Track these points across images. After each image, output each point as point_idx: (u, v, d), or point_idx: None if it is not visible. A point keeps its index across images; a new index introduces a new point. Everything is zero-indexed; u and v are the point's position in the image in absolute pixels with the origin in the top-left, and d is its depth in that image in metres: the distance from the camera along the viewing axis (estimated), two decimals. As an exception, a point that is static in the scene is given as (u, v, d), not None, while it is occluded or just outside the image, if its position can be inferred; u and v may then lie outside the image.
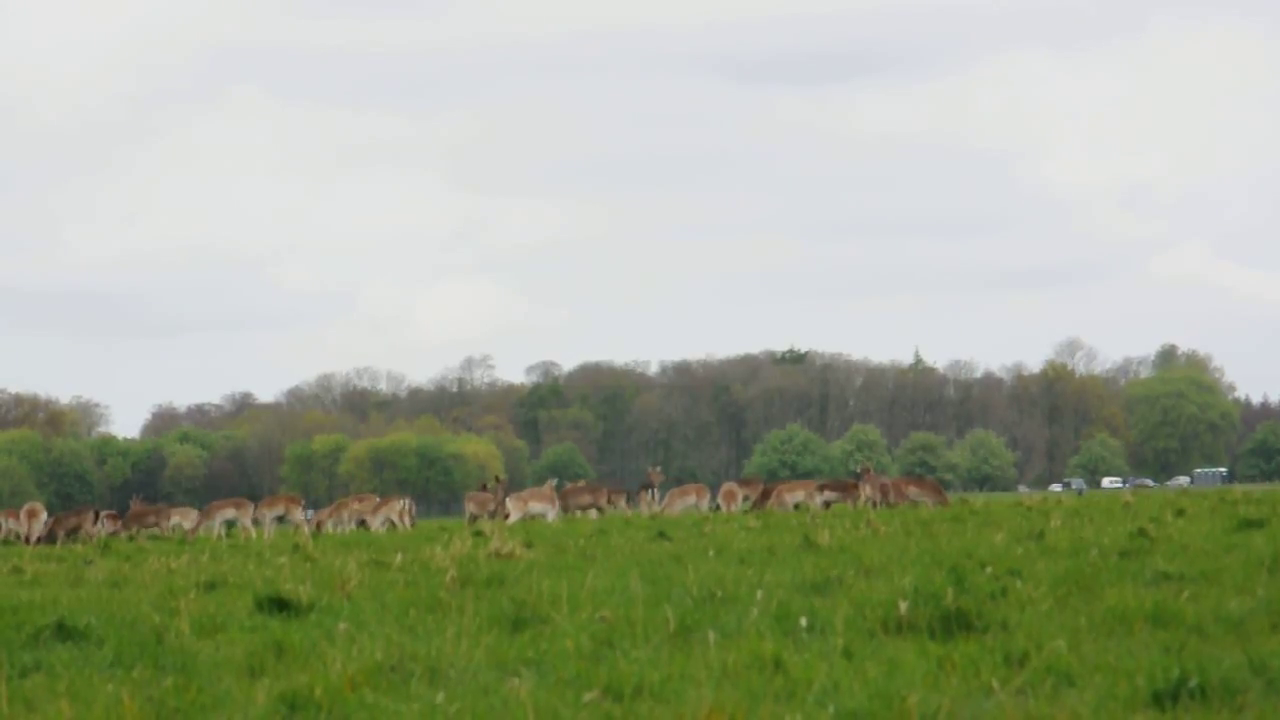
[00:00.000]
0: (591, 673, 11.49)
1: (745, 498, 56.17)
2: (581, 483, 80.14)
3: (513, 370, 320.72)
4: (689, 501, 55.46)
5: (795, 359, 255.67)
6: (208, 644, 14.33)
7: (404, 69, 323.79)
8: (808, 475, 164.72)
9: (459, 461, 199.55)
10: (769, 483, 64.46)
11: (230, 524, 54.70)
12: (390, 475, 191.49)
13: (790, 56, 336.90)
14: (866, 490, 53.29)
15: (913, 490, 53.61)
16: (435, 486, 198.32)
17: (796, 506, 51.33)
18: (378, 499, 58.01)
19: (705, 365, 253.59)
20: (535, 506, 51.24)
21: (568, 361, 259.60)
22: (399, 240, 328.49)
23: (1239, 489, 73.29)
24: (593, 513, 52.83)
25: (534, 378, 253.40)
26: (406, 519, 52.69)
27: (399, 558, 23.75)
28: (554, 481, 61.29)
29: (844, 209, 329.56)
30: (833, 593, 16.13)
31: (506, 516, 49.77)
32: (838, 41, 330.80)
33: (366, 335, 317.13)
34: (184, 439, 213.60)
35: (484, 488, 61.83)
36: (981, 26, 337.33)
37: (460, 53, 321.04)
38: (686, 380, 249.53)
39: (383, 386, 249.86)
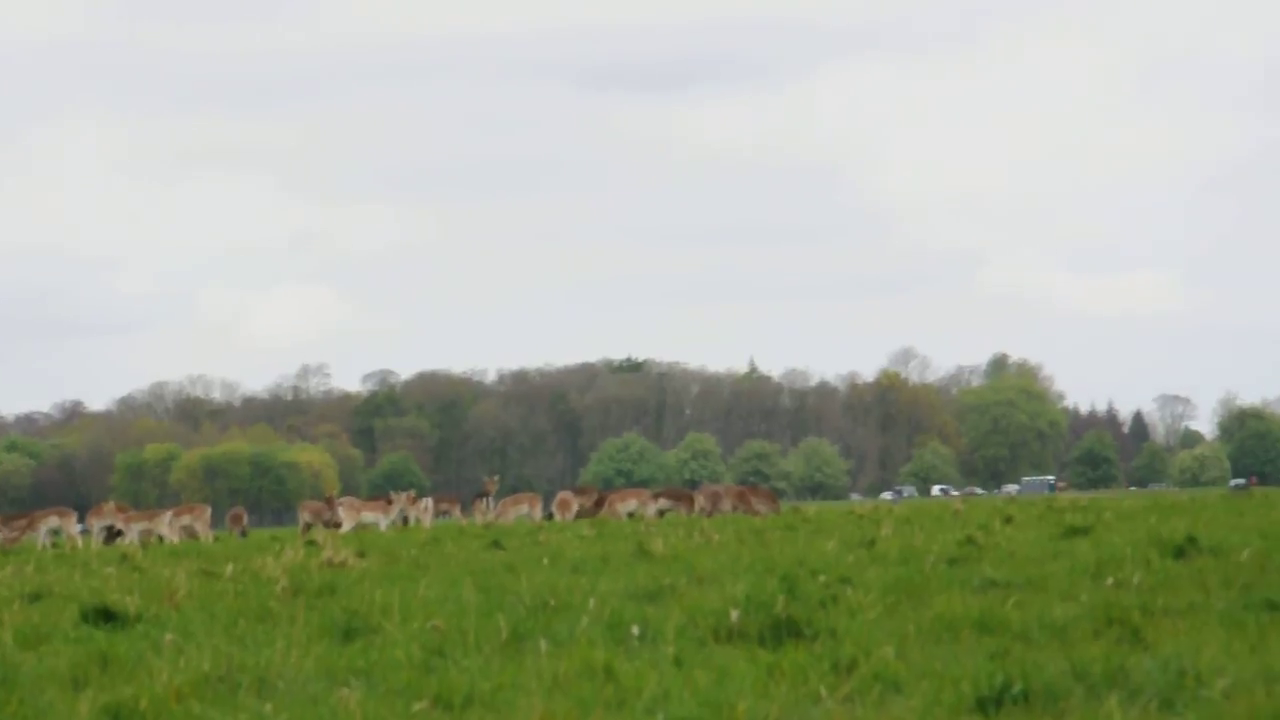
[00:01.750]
0: (422, 682, 11.44)
1: (580, 506, 56.18)
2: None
3: (349, 378, 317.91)
4: (522, 510, 55.37)
5: (632, 368, 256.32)
6: (30, 656, 14.07)
7: (242, 73, 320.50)
8: (643, 483, 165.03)
9: (293, 470, 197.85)
10: (604, 491, 64.49)
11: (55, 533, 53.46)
12: (223, 484, 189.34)
13: (629, 65, 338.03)
14: (700, 500, 53.57)
15: (751, 499, 53.92)
16: (268, 496, 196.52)
17: (630, 515, 51.42)
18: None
19: (542, 374, 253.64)
20: (368, 516, 50.95)
21: (404, 370, 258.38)
22: (235, 246, 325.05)
23: (1066, 497, 74.48)
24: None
25: (370, 386, 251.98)
26: (200, 528, 51.23)
27: (230, 568, 23.50)
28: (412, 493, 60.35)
29: (681, 217, 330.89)
30: (665, 601, 16.16)
31: (339, 526, 49.41)
32: (677, 50, 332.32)
33: (201, 343, 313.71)
34: (11, 448, 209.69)
35: (329, 500, 61.04)
36: (817, 38, 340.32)
37: (298, 57, 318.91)
38: (523, 389, 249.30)
39: (216, 395, 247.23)
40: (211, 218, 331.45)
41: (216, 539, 50.09)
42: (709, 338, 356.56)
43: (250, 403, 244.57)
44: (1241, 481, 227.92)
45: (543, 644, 12.43)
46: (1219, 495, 73.34)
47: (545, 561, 23.47)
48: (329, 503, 58.62)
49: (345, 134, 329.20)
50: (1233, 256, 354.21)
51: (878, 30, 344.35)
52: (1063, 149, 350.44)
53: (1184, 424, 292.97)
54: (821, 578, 17.29)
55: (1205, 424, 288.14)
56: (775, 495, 60.03)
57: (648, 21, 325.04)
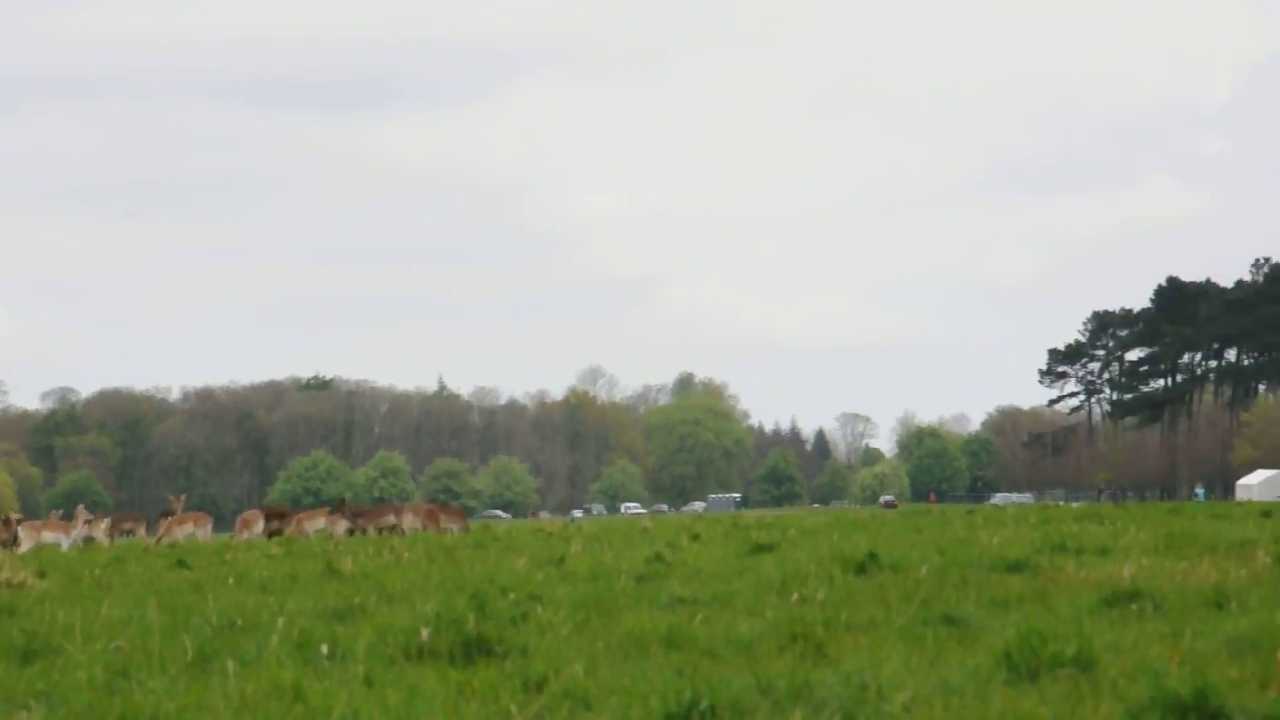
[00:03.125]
0: (105, 704, 11.17)
1: (270, 525, 55.34)
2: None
3: (27, 396, 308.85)
4: (187, 530, 54.25)
5: (320, 385, 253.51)
6: None
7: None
8: (330, 502, 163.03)
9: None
10: (293, 510, 63.64)
11: None
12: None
13: (313, 82, 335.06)
14: (394, 518, 53.22)
15: (441, 518, 53.74)
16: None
17: (318, 534, 50.87)
18: None
19: (229, 391, 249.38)
20: (49, 536, 49.59)
21: (85, 388, 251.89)
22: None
23: (752, 514, 75.69)
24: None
25: (49, 404, 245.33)
26: None
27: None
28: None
29: (369, 235, 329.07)
30: (355, 620, 16.04)
31: (18, 546, 47.98)
32: (362, 68, 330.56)
33: None
34: None
35: (7, 520, 58.76)
36: (500, 58, 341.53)
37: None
38: (209, 406, 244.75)
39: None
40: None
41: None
42: (398, 356, 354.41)
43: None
44: (890, 499, 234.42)
45: (230, 664, 12.23)
46: (869, 513, 75.28)
47: (231, 581, 23.10)
48: (6, 523, 56.81)
49: (24, 146, 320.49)
50: (912, 277, 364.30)
51: (559, 47, 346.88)
52: (744, 171, 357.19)
53: (865, 442, 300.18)
54: (512, 595, 17.32)
55: (885, 442, 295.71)
56: (464, 512, 59.82)
57: (330, 38, 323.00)
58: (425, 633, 13.09)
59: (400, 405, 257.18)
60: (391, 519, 53.54)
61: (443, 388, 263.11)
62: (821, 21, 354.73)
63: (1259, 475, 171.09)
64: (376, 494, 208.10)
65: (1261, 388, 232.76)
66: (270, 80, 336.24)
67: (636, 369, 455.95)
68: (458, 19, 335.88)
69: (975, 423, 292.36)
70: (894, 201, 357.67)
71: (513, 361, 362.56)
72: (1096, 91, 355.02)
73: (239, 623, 15.63)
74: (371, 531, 51.94)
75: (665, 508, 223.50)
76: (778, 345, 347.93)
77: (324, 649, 13.05)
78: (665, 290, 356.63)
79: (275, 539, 49.54)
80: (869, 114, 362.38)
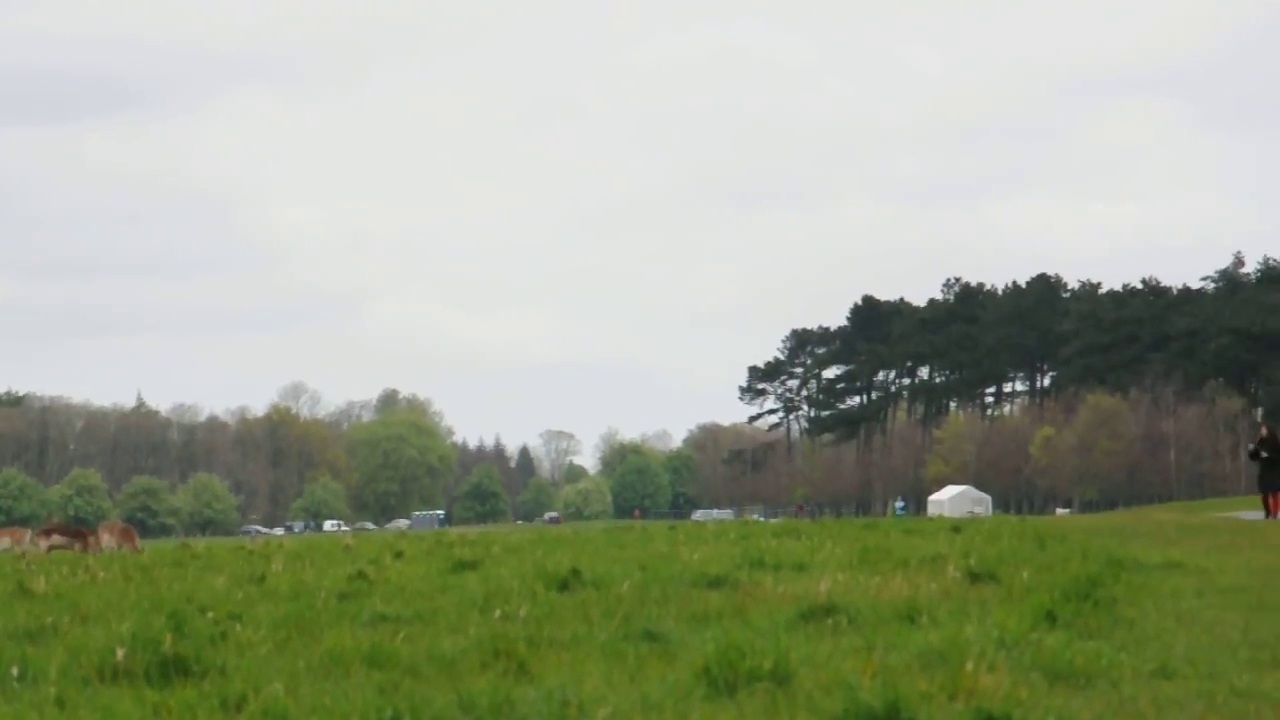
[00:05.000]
0: None
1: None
2: None
3: None
4: None
5: (12, 402, 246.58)
6: None
7: None
8: (25, 520, 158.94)
9: None
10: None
11: None
12: None
13: (12, 88, 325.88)
14: (100, 537, 51.88)
15: (104, 537, 52.32)
16: None
17: (2, 553, 49.42)
18: None
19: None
20: None
21: None
22: None
23: (456, 531, 75.51)
24: None
25: None
26: None
27: None
28: None
29: (64, 249, 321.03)
30: (47, 641, 15.62)
31: None
32: (65, 74, 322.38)
33: None
34: None
35: None
36: (210, 67, 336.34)
37: None
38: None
39: None
40: None
41: None
42: (94, 371, 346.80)
43: None
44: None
45: (-86, 689, 11.85)
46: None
47: (-84, 602, 22.34)
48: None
49: None
50: (616, 295, 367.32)
51: (269, 64, 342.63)
52: (450, 186, 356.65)
53: (569, 459, 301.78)
54: (210, 614, 17.04)
55: (589, 459, 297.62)
56: (132, 531, 57.51)
57: (29, 40, 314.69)
58: (120, 653, 12.81)
59: (96, 421, 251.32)
60: (86, 538, 52.16)
61: (141, 404, 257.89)
62: (520, 37, 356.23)
63: (949, 491, 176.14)
64: (72, 512, 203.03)
65: (953, 405, 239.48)
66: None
67: (340, 385, 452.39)
68: (165, 28, 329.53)
69: (677, 440, 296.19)
70: (598, 219, 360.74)
71: (214, 377, 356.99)
72: (795, 112, 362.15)
73: (-77, 646, 15.13)
74: (76, 549, 50.60)
75: (369, 525, 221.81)
76: (483, 362, 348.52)
77: (14, 670, 12.70)
78: (370, 306, 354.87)
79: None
80: (572, 129, 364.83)
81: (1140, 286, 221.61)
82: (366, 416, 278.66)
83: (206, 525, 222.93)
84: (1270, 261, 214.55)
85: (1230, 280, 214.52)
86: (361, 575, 23.65)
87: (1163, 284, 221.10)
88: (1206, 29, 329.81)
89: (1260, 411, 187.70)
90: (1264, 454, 43.34)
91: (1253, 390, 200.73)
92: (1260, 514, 44.05)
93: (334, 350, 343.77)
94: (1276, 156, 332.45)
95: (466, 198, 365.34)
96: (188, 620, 15.55)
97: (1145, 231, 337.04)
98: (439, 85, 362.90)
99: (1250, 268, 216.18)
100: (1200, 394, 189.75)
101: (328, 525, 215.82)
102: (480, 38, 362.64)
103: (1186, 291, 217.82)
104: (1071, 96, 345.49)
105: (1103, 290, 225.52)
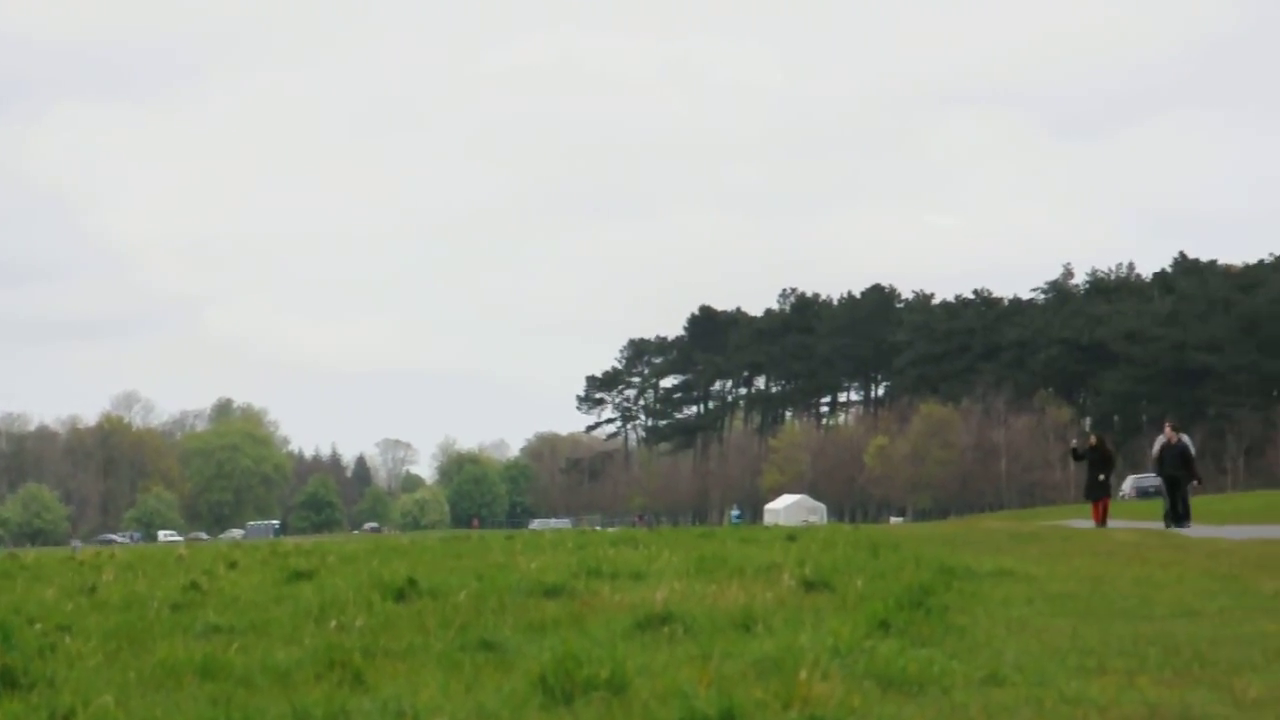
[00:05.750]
0: None
1: None
2: None
3: None
4: None
5: None
6: None
7: None
8: None
9: None
10: None
11: None
12: None
13: None
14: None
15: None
16: None
17: None
18: None
19: None
20: None
21: None
22: None
23: (291, 541, 74.87)
24: None
25: None
26: None
27: None
28: None
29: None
30: None
31: None
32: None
33: None
34: None
35: None
36: (49, 68, 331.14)
37: None
38: None
39: None
40: None
41: None
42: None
43: None
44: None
45: None
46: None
47: None
48: None
49: None
50: (453, 303, 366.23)
51: (106, 69, 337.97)
52: (286, 194, 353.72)
53: (405, 468, 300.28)
54: (39, 626, 16.78)
55: (426, 468, 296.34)
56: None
57: None
58: (-56, 667, 12.58)
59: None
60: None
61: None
62: (360, 43, 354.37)
63: (785, 500, 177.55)
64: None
65: (788, 414, 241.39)
66: None
67: (174, 394, 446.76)
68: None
69: (515, 449, 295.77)
70: (437, 227, 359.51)
71: (44, 386, 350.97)
72: (634, 123, 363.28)
73: None
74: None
75: (203, 535, 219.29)
76: (319, 370, 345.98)
77: None
78: (206, 314, 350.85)
79: None
80: (413, 137, 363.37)
81: (972, 297, 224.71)
82: (201, 426, 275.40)
83: (36, 536, 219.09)
84: (1098, 273, 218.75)
85: (1060, 291, 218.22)
86: (195, 586, 23.40)
87: (994, 295, 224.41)
88: (1041, 43, 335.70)
89: (1089, 421, 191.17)
90: (1090, 460, 44.21)
91: (1081, 400, 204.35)
92: (1090, 522, 44.90)
93: (169, 359, 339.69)
94: (1106, 169, 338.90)
95: (306, 204, 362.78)
96: (15, 632, 15.28)
97: (978, 243, 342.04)
98: (279, 91, 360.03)
99: (1079, 279, 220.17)
100: (1030, 404, 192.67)
101: (161, 535, 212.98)
102: (321, 43, 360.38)
103: (1017, 302, 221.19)
104: (909, 109, 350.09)
105: (936, 301, 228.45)
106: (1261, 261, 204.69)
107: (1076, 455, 45.91)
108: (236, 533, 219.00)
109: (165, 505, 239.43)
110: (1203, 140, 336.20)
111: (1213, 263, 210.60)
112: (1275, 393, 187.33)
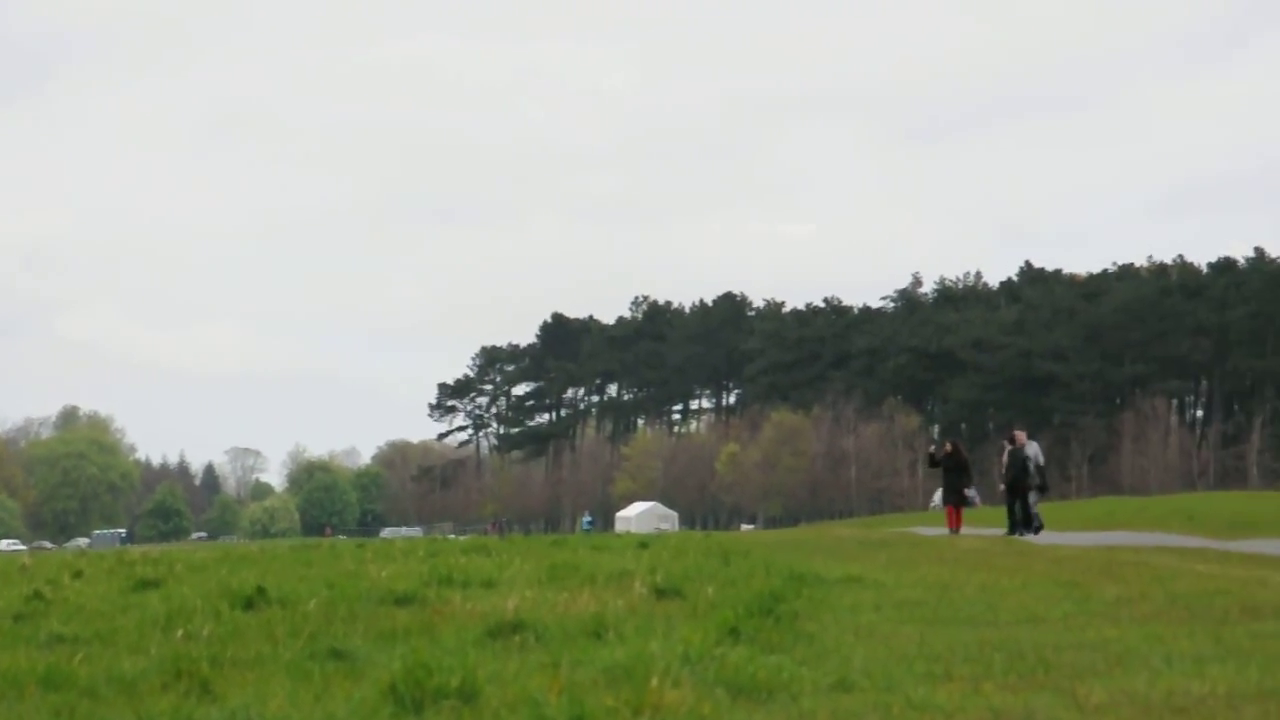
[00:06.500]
0: None
1: None
2: None
3: None
4: None
5: None
6: None
7: None
8: None
9: None
10: None
11: None
12: None
13: None
14: None
15: None
16: None
17: None
18: None
19: None
20: None
21: None
22: None
23: (138, 549, 73.95)
24: None
25: None
26: None
27: None
28: None
29: None
30: None
31: None
32: None
33: None
34: None
35: None
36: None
37: None
38: None
39: None
40: None
41: None
42: None
43: None
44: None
45: None
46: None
47: None
48: None
49: None
50: (302, 309, 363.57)
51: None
52: (134, 197, 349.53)
53: (255, 476, 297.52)
54: (-124, 638, 16.46)
55: (276, 476, 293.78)
56: None
57: None
58: None
59: None
60: None
61: None
62: (209, 42, 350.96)
63: (636, 507, 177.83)
64: None
65: (641, 422, 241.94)
66: None
67: (18, 402, 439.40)
68: None
69: (366, 456, 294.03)
70: (283, 233, 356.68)
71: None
72: (487, 129, 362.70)
73: None
74: None
75: (47, 544, 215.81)
76: (166, 377, 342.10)
77: None
78: (51, 321, 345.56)
79: None
80: (261, 139, 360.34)
81: (823, 306, 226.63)
82: (46, 433, 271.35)
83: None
84: (946, 282, 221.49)
85: (909, 300, 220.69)
86: (38, 595, 23.04)
87: (844, 303, 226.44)
88: (893, 51, 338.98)
89: (937, 429, 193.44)
90: (946, 467, 44.71)
91: (929, 408, 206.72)
92: (944, 529, 45.19)
93: (12, 366, 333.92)
94: (955, 179, 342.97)
95: (151, 208, 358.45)
96: None
97: (829, 251, 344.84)
98: (124, 92, 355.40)
99: (928, 288, 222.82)
100: (879, 411, 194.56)
101: (3, 544, 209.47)
102: (169, 44, 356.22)
103: (867, 311, 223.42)
104: (760, 118, 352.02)
105: (787, 309, 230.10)
106: (1105, 271, 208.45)
107: (933, 462, 46.35)
108: (82, 541, 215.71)
109: (8, 514, 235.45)
110: (1048, 149, 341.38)
111: (1058, 272, 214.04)
112: (1119, 400, 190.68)
